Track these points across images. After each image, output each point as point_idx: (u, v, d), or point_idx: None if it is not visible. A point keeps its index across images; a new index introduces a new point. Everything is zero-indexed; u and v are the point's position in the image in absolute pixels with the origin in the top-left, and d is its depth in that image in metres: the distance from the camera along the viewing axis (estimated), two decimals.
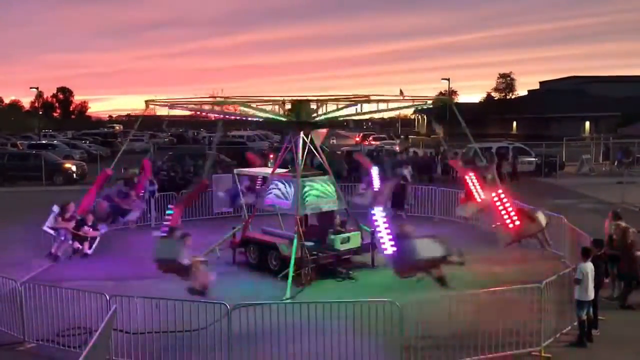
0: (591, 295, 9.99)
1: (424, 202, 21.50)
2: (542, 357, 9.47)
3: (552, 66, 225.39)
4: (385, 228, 11.76)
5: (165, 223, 12.23)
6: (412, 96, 14.98)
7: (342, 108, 14.61)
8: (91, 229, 14.38)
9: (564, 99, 69.05)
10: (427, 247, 10.59)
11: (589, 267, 10.00)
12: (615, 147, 37.00)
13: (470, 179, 13.88)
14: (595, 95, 69.39)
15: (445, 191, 20.91)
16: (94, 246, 14.48)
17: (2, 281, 10.67)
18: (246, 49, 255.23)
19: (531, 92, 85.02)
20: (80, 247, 14.27)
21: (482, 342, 9.31)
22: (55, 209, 14.07)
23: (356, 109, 14.48)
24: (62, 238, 13.88)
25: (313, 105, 14.39)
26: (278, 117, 14.60)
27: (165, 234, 11.60)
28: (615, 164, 34.96)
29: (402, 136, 71.96)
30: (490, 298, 9.81)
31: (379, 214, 11.84)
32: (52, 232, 14.06)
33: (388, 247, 11.49)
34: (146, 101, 14.17)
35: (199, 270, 10.76)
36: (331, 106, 14.55)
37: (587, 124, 66.71)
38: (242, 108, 14.93)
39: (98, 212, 14.24)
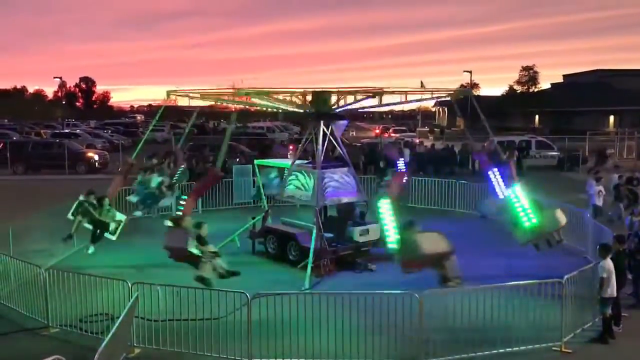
0: (614, 291, 9.87)
1: (443, 196, 21.40)
2: (562, 352, 9.40)
3: (576, 59, 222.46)
4: (390, 221, 11.64)
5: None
6: (432, 88, 14.93)
7: (362, 99, 14.55)
8: None
9: (587, 92, 67.86)
10: (430, 242, 10.48)
11: (610, 264, 9.86)
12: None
13: (494, 174, 13.66)
14: (620, 88, 67.97)
15: (465, 185, 20.81)
16: (117, 232, 14.64)
17: (27, 268, 10.89)
18: (268, 40, 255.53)
19: (554, 86, 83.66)
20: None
21: (503, 335, 9.28)
22: (82, 197, 14.31)
23: (378, 100, 14.44)
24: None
25: (333, 97, 14.37)
26: (297, 109, 14.58)
27: (174, 223, 11.67)
28: None
29: (436, 129, 70.04)
30: (511, 292, 9.74)
31: (384, 206, 11.73)
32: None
33: (392, 240, 11.39)
34: (168, 91, 14.80)
35: (208, 259, 10.83)
36: (351, 98, 14.51)
37: (612, 118, 65.58)
38: (257, 100, 14.96)
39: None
